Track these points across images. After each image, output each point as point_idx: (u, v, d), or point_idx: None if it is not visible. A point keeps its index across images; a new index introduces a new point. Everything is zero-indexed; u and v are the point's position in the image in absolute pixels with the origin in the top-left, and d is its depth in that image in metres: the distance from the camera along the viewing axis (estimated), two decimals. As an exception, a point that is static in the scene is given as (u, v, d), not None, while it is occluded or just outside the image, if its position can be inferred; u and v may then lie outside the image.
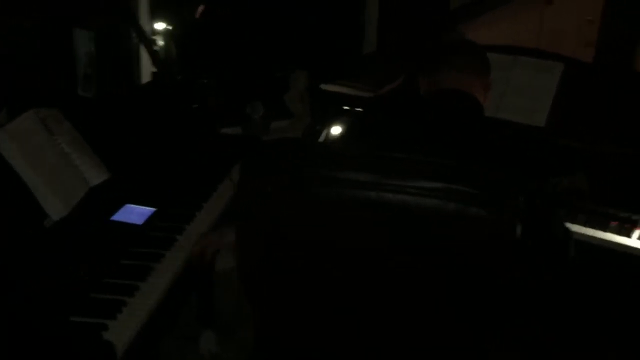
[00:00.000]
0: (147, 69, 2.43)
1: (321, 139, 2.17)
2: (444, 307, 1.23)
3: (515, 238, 1.16)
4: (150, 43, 2.34)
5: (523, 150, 1.57)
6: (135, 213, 1.68)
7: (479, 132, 1.53)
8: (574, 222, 1.79)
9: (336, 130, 2.19)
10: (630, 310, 1.74)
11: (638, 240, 1.71)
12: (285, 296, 1.34)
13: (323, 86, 2.23)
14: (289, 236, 1.26)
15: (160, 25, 2.85)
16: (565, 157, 1.90)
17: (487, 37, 2.75)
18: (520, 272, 1.22)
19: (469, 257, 1.17)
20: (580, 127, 1.90)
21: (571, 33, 3.47)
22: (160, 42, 2.75)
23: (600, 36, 3.55)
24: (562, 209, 1.83)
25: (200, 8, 2.91)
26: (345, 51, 2.93)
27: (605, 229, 1.75)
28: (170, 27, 2.84)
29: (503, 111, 1.99)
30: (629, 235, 1.72)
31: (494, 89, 2.00)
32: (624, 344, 1.85)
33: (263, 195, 1.26)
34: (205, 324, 2.18)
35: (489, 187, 1.16)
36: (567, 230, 1.51)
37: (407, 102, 1.77)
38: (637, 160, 1.83)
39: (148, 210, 1.69)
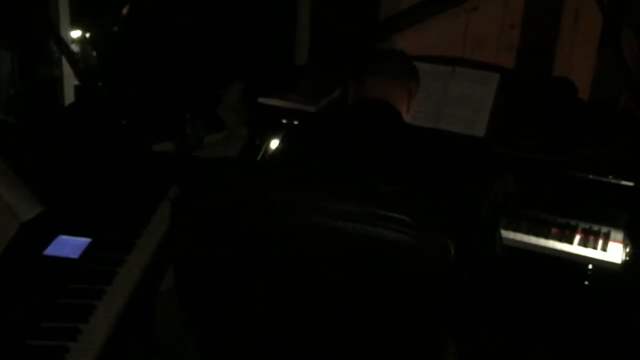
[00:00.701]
0: (69, 84, 2.29)
1: (260, 154, 2.12)
2: (385, 320, 1.24)
3: (450, 259, 1.18)
4: (72, 55, 2.20)
5: (447, 157, 1.59)
6: (69, 245, 1.56)
7: (398, 142, 1.53)
8: (517, 230, 1.83)
9: (275, 144, 2.15)
10: (575, 317, 1.80)
11: (579, 247, 1.76)
12: (228, 317, 1.32)
13: (261, 100, 2.18)
14: (227, 255, 1.25)
15: (76, 33, 2.69)
16: (494, 162, 1.95)
17: (416, 45, 2.77)
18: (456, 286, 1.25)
19: (404, 280, 1.19)
20: (517, 136, 1.94)
21: (494, 38, 3.57)
22: (77, 52, 2.60)
23: (522, 41, 3.68)
24: (503, 217, 1.87)
25: (126, 8, 2.75)
26: (277, 63, 2.89)
27: (547, 236, 1.80)
28: (88, 35, 2.69)
29: (443, 121, 2.00)
30: (570, 242, 1.78)
31: (433, 99, 2.03)
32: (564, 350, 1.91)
33: (198, 219, 1.26)
34: (149, 354, 2.08)
35: (419, 213, 1.18)
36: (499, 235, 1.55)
37: (338, 115, 1.75)
38: (570, 166, 1.89)
39: (83, 241, 1.58)
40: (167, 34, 2.71)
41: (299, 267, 1.23)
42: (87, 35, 2.70)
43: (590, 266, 1.71)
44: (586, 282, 1.73)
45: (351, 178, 1.27)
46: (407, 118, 1.66)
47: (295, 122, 2.16)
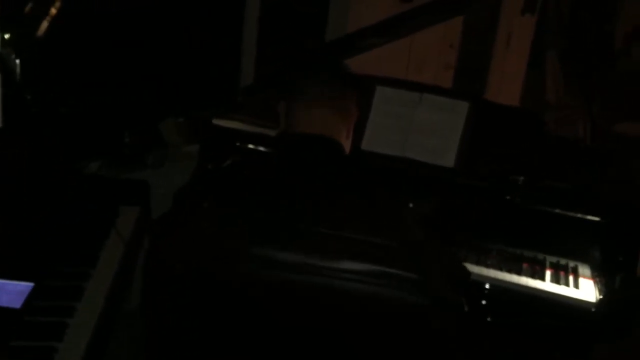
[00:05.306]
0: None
1: (214, 180, 1.97)
2: None
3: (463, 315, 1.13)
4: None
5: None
6: (8, 291, 1.35)
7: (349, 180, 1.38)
8: (488, 266, 1.78)
9: (229, 170, 2.00)
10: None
11: (552, 284, 1.74)
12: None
13: (216, 120, 2.02)
14: (203, 312, 1.18)
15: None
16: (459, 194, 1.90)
17: (359, 63, 2.70)
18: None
19: (410, 341, 1.11)
20: (483, 167, 1.90)
21: (434, 57, 3.58)
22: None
23: (458, 61, 3.72)
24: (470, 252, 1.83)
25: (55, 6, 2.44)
26: (221, 81, 2.73)
27: (519, 272, 1.76)
28: (7, 36, 2.41)
29: (410, 150, 1.93)
30: (543, 279, 1.75)
31: (399, 126, 1.95)
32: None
33: (177, 271, 1.18)
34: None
35: (427, 270, 1.11)
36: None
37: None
38: (536, 200, 1.87)
39: (24, 286, 1.37)
40: (104, 36, 2.45)
41: (295, 328, 1.12)
42: (6, 36, 2.41)
43: (564, 304, 1.69)
44: (560, 321, 1.70)
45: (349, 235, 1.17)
46: (348, 144, 1.47)
47: (250, 146, 2.02)
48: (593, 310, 1.66)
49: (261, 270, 1.12)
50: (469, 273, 1.32)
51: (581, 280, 1.75)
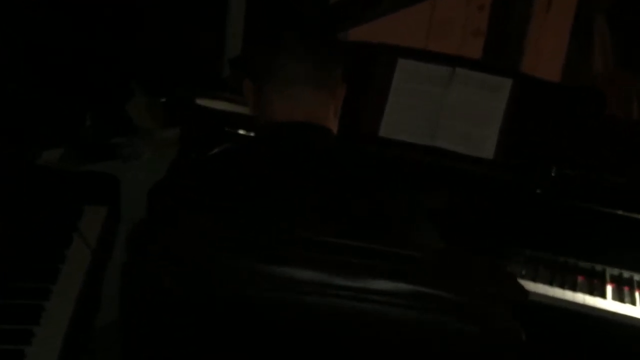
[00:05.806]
0: None
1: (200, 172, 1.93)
2: None
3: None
4: None
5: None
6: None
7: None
8: (536, 280, 1.75)
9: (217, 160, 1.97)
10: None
11: (615, 302, 1.70)
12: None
13: (199, 100, 1.98)
14: (203, 333, 1.15)
15: None
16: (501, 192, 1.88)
17: (373, 28, 2.66)
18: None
19: None
20: (532, 159, 1.87)
21: (460, 21, 3.54)
22: None
23: (490, 25, 3.68)
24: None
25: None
26: (203, 52, 2.69)
27: (574, 288, 1.72)
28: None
29: (440, 139, 1.89)
30: (603, 296, 1.71)
31: (427, 108, 1.91)
32: None
33: (165, 284, 1.14)
34: None
35: (473, 289, 1.08)
36: None
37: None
38: (596, 200, 1.84)
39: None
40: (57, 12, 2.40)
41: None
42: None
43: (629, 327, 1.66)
44: (623, 346, 1.68)
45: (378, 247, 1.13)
46: (335, 123, 1.46)
47: (241, 131, 1.99)
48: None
49: (271, 291, 1.09)
50: (526, 292, 1.29)
51: (651, 298, 1.72)
